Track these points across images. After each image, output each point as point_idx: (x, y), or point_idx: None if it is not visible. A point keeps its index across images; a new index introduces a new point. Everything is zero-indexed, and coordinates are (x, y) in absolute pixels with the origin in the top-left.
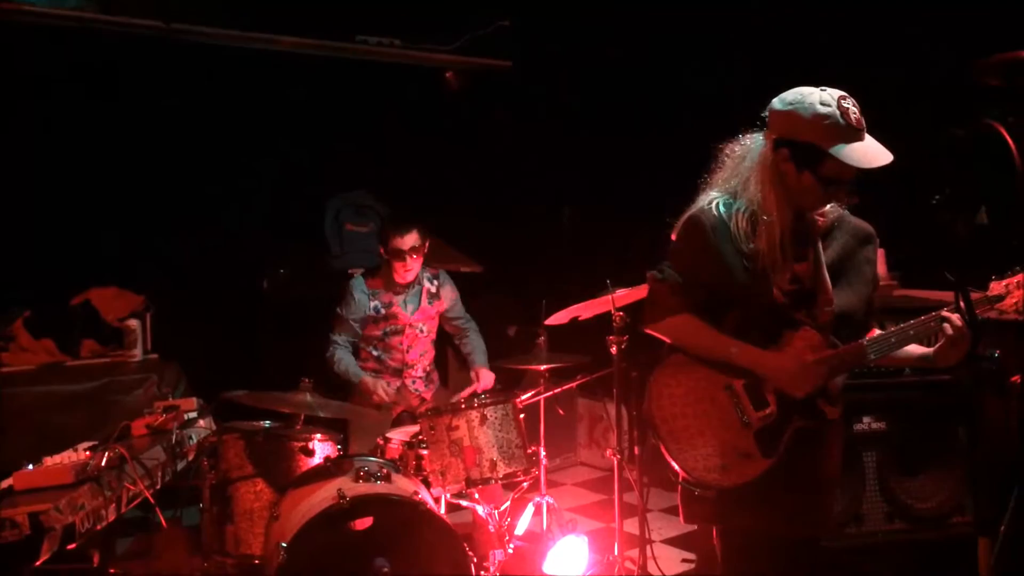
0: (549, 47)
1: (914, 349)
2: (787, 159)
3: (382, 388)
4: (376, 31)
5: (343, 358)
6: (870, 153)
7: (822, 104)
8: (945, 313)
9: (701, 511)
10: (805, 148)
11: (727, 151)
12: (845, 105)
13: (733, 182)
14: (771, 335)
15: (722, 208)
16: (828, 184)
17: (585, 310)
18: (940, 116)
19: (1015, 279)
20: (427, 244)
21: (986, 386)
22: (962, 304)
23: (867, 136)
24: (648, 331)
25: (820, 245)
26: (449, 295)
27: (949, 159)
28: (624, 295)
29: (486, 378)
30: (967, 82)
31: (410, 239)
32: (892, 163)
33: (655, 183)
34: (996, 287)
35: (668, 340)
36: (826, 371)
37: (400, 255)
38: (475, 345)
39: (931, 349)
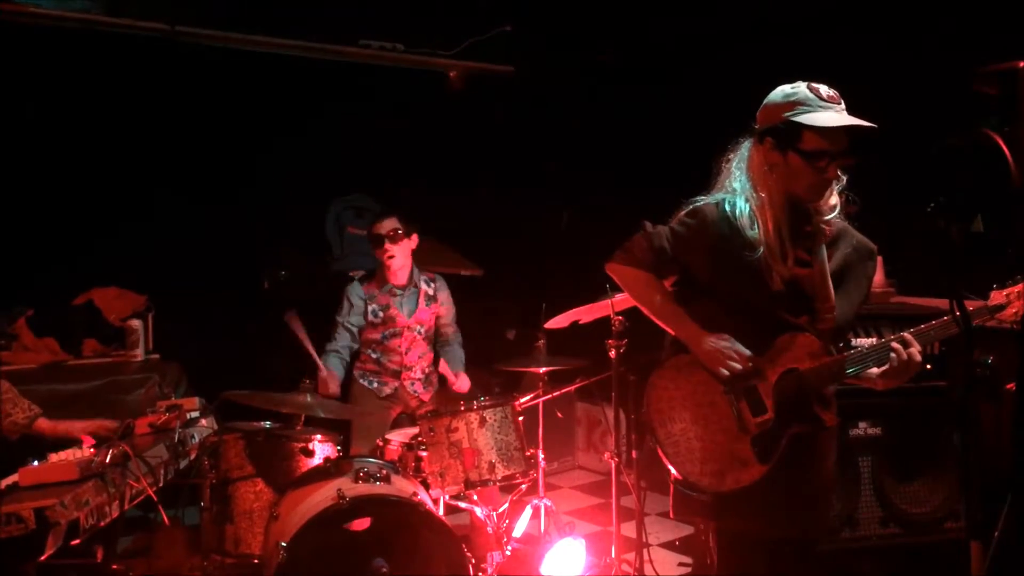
0: (550, 52)
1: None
2: (772, 148)
3: (332, 383)
4: (379, 35)
5: (327, 363)
6: (843, 118)
7: (791, 87)
8: (907, 336)
9: (696, 509)
10: (782, 129)
11: (723, 162)
12: (814, 85)
13: (727, 183)
14: (768, 336)
15: (727, 207)
16: (814, 159)
17: (585, 314)
18: (937, 124)
19: (1016, 289)
20: (414, 237)
21: (980, 393)
22: (957, 312)
23: (844, 111)
24: (608, 268)
25: (825, 253)
26: (446, 300)
27: (945, 167)
28: (623, 299)
29: (463, 381)
30: (965, 90)
31: (388, 224)
32: (890, 164)
33: (655, 187)
34: (997, 296)
35: (620, 284)
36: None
37: (379, 240)
38: (456, 354)
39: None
